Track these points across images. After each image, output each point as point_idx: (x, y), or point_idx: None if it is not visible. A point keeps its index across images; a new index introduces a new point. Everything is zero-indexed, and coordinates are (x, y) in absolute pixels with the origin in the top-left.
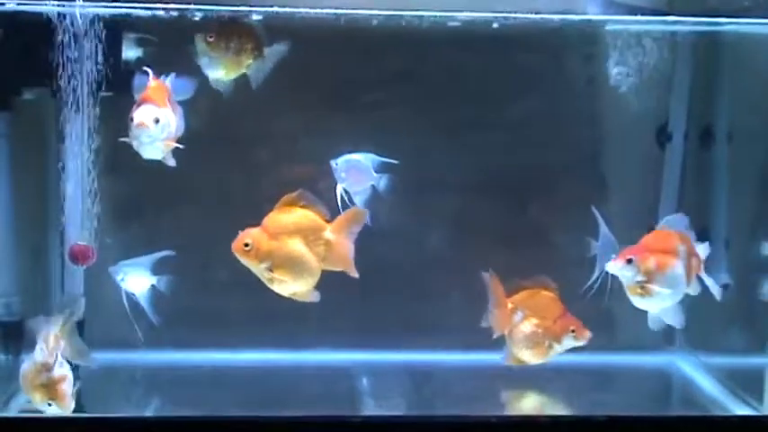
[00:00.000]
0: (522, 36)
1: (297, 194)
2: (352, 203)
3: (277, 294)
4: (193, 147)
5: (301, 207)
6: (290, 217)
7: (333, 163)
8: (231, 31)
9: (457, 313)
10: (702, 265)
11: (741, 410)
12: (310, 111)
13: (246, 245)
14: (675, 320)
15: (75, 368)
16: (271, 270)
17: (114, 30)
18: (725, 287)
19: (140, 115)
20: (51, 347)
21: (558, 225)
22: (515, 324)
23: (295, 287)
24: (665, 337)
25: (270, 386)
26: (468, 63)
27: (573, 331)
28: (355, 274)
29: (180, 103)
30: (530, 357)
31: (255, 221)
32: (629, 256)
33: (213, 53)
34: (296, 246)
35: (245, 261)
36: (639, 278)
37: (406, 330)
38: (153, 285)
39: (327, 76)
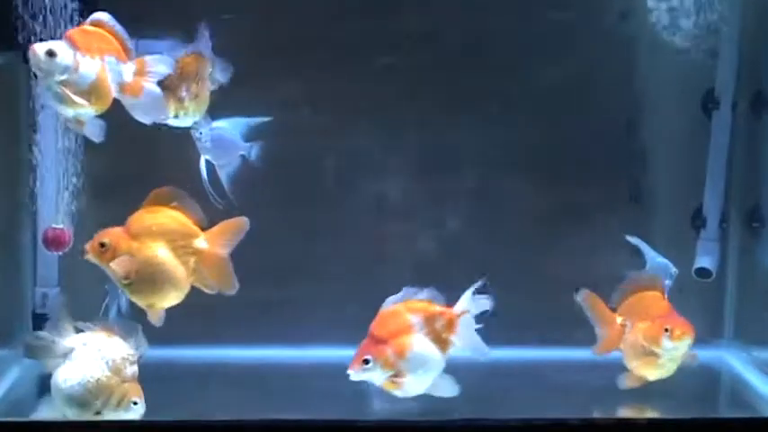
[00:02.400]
0: None
1: (168, 191)
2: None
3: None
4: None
5: (172, 208)
6: (157, 218)
7: (196, 133)
8: (176, 75)
9: None
10: (465, 317)
11: None
12: (313, 76)
13: (103, 245)
14: (449, 390)
15: None
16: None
17: None
18: None
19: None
20: (124, 339)
21: (593, 203)
22: (625, 338)
23: (154, 299)
24: (713, 330)
25: (268, 386)
26: (490, 22)
27: (666, 330)
28: (232, 291)
29: None
30: (641, 370)
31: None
32: (364, 357)
33: (172, 112)
34: (159, 251)
35: (99, 264)
36: (387, 374)
37: None
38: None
39: (333, 36)
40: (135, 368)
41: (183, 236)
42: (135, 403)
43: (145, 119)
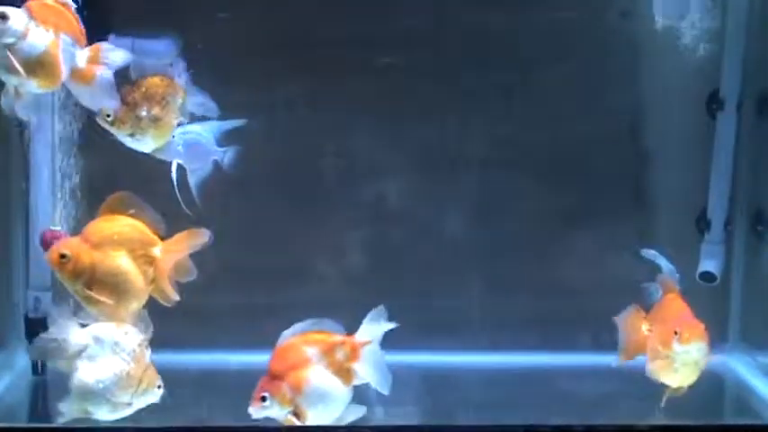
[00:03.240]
0: None
1: (123, 197)
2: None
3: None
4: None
5: (129, 215)
6: (117, 226)
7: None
8: (141, 92)
9: (478, 309)
10: (369, 346)
11: None
12: (313, 76)
13: (63, 256)
14: (357, 412)
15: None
16: (89, 288)
17: None
18: None
19: None
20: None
21: (596, 205)
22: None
23: (115, 309)
24: (717, 334)
25: None
26: (491, 21)
27: (676, 333)
28: (171, 300)
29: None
30: (660, 376)
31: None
32: (261, 395)
33: (127, 130)
34: (122, 261)
35: (61, 276)
36: (287, 411)
37: (421, 328)
38: None
39: (332, 35)
40: (149, 351)
41: (143, 244)
42: (159, 387)
43: (93, 105)
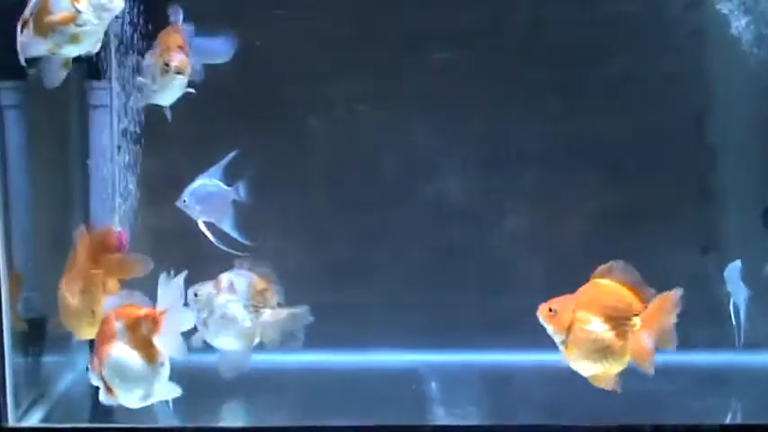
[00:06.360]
0: None
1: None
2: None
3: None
4: (240, 116)
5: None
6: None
7: (180, 202)
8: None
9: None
10: (166, 315)
11: None
12: (371, 73)
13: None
14: (170, 391)
15: None
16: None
17: None
18: None
19: None
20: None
21: (660, 201)
22: None
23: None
24: None
25: (326, 390)
26: (552, 15)
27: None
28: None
29: None
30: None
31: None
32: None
33: (165, 79)
34: (69, 301)
35: None
36: (101, 383)
37: (481, 327)
38: None
39: (388, 30)
40: None
41: (92, 279)
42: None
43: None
